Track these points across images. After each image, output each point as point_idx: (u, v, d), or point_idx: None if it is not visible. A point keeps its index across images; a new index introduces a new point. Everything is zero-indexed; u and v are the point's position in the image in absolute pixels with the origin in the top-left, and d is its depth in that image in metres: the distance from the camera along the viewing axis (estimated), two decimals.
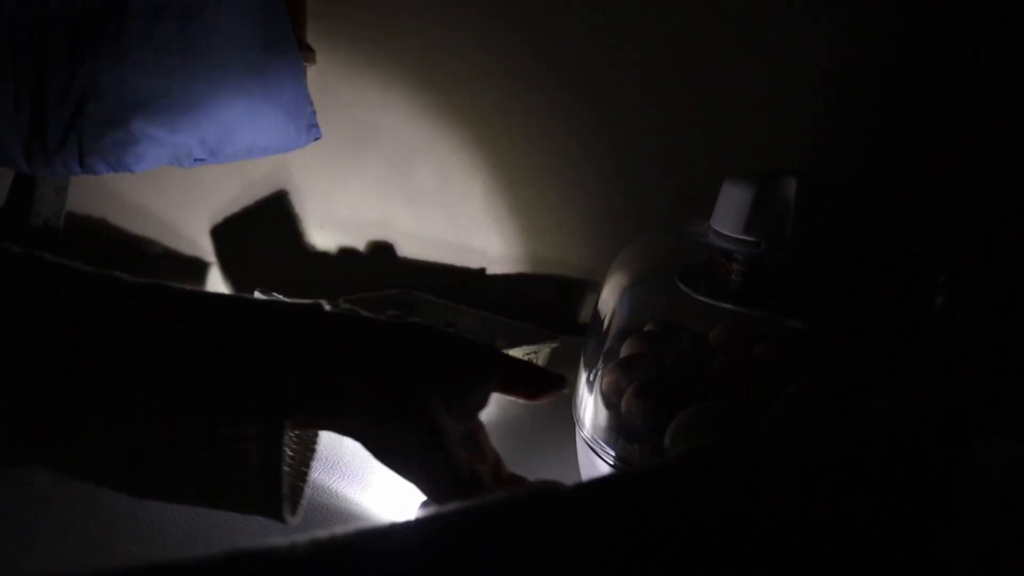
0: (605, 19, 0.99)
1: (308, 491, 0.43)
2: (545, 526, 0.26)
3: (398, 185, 1.22)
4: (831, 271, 0.58)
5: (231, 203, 1.37)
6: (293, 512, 0.41)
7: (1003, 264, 0.62)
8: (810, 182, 0.57)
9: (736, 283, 0.58)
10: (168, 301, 0.40)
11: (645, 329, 0.65)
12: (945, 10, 0.74)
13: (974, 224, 0.70)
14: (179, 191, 1.40)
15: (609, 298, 0.65)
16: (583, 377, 0.65)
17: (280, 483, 0.39)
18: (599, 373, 0.65)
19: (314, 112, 1.19)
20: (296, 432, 0.43)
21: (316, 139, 1.20)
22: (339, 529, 0.25)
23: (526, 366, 0.47)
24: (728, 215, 0.59)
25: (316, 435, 0.44)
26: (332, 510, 0.59)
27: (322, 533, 0.25)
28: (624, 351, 0.64)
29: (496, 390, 0.45)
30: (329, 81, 1.24)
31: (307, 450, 0.44)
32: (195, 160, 1.09)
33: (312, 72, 1.23)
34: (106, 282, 0.40)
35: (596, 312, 0.66)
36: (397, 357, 0.41)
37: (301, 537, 0.25)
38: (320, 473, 0.65)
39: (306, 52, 1.21)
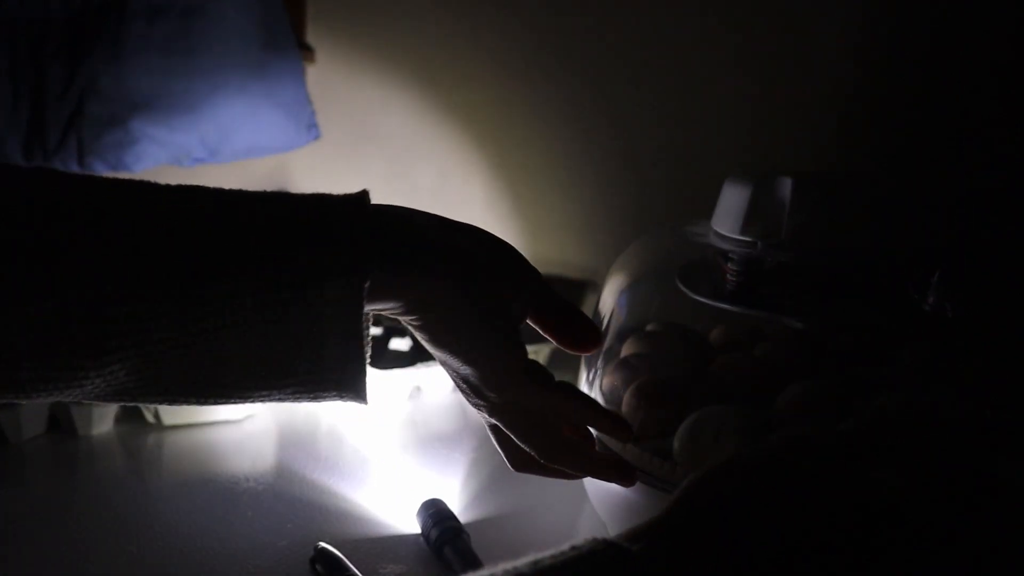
0: (606, 19, 0.99)
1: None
2: None
3: (398, 185, 1.22)
4: (826, 270, 0.58)
5: None
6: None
7: (996, 264, 0.62)
8: (806, 181, 0.57)
9: (732, 283, 0.58)
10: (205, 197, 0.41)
11: (645, 329, 0.65)
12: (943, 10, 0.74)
13: (968, 223, 0.70)
14: None
15: (609, 298, 0.65)
16: (583, 377, 0.65)
17: (362, 351, 0.37)
18: (599, 373, 0.65)
19: (313, 112, 1.19)
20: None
21: (315, 138, 1.20)
22: None
23: (562, 304, 0.47)
24: (727, 215, 0.59)
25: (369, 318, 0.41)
26: (332, 510, 0.59)
27: None
28: (624, 351, 0.64)
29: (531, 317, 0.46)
30: (329, 81, 1.24)
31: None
32: (195, 160, 1.09)
33: (312, 72, 1.23)
34: (137, 187, 0.40)
35: (596, 312, 0.66)
36: (474, 244, 0.42)
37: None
38: (320, 473, 0.65)
39: (306, 52, 1.21)
